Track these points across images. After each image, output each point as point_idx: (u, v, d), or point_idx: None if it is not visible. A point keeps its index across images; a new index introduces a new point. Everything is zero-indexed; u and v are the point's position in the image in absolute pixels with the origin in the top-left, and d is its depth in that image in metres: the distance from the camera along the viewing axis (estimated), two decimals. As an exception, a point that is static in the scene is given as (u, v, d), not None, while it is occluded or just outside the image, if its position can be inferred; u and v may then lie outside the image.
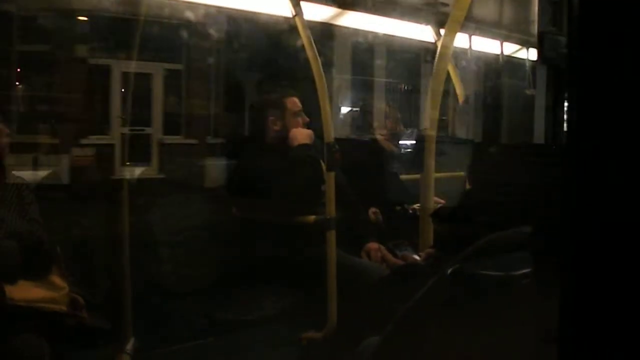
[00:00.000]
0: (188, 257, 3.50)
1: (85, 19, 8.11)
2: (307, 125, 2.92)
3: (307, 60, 2.67)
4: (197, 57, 9.18)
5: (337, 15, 3.66)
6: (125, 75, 8.40)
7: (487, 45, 4.45)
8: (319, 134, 2.75)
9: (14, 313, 2.01)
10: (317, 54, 2.67)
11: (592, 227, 0.68)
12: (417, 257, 2.34)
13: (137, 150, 7.29)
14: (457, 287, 1.38)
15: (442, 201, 2.77)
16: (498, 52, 4.49)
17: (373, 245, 2.86)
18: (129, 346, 2.54)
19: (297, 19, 2.68)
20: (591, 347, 0.68)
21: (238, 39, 7.02)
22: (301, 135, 2.83)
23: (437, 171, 2.59)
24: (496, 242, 1.39)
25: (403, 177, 3.54)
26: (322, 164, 2.67)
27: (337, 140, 2.77)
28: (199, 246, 3.49)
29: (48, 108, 8.11)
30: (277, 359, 2.67)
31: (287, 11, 2.75)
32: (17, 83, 8.14)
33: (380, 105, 4.32)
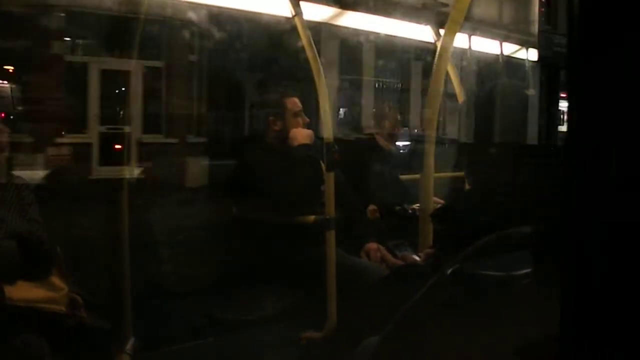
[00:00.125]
0: (179, 257, 3.49)
1: (62, 14, 7.95)
2: (307, 125, 2.92)
3: (306, 61, 2.66)
4: (177, 54, 9.05)
5: (335, 15, 3.66)
6: (103, 73, 8.33)
7: (487, 45, 4.45)
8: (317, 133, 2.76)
9: (14, 313, 2.01)
10: (317, 54, 2.67)
11: (592, 227, 0.68)
12: (416, 257, 2.34)
13: (114, 149, 7.06)
14: (457, 287, 1.38)
15: (441, 201, 2.77)
16: (497, 52, 4.50)
17: (373, 246, 2.86)
18: (129, 346, 2.53)
19: (296, 19, 2.68)
20: (592, 347, 0.68)
21: (223, 35, 6.97)
22: (301, 135, 2.83)
23: (437, 171, 2.59)
24: (496, 242, 1.39)
25: (403, 177, 3.54)
26: (322, 164, 2.68)
27: (336, 140, 2.77)
28: (192, 246, 3.48)
29: (23, 106, 7.95)
30: (277, 359, 2.67)
31: (287, 11, 2.74)
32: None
33: (378, 105, 4.32)
